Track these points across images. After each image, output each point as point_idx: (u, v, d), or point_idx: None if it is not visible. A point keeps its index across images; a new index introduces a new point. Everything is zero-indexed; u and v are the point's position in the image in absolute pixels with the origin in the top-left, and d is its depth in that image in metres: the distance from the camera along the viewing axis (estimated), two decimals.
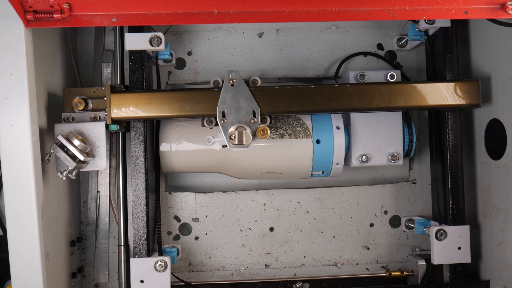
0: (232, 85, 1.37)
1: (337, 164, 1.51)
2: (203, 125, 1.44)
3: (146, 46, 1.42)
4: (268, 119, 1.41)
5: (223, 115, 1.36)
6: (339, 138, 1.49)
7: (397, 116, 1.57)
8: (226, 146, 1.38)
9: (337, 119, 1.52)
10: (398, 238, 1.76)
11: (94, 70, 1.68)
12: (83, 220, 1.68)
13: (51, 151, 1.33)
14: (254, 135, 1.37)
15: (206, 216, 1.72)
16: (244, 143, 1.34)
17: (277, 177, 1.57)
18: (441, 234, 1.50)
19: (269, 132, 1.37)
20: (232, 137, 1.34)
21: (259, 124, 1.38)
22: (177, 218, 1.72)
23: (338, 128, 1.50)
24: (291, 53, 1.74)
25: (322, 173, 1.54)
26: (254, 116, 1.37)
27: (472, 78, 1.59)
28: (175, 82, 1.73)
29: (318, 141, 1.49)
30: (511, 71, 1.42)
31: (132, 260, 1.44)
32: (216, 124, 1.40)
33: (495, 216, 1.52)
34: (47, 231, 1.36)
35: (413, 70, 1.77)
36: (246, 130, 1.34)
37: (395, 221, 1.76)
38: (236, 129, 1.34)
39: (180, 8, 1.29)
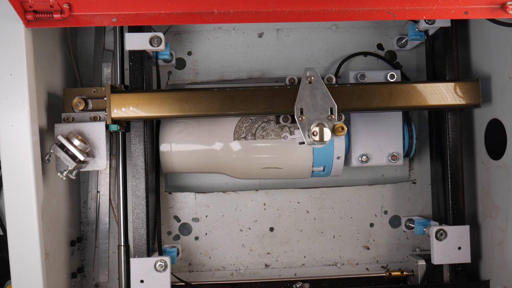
0: (309, 82, 1.37)
1: (338, 158, 1.50)
2: (278, 123, 1.44)
3: (146, 46, 1.42)
4: (343, 117, 1.41)
5: (301, 112, 1.36)
6: None
7: (397, 116, 1.57)
8: (303, 143, 1.37)
9: None
10: (398, 238, 1.76)
11: (94, 70, 1.68)
12: (83, 220, 1.68)
13: (51, 151, 1.33)
14: (332, 131, 1.37)
15: (206, 216, 1.72)
16: (325, 139, 1.33)
17: (278, 175, 1.57)
18: (441, 234, 1.50)
19: (346, 129, 1.36)
20: (314, 133, 1.34)
21: (336, 121, 1.38)
22: (177, 218, 1.72)
23: None
24: (291, 53, 1.74)
25: (323, 170, 1.53)
26: (331, 113, 1.37)
27: (472, 78, 1.59)
28: (175, 82, 1.73)
29: None
30: (511, 71, 1.42)
31: (132, 260, 1.44)
32: (293, 121, 1.40)
33: (495, 216, 1.52)
34: (47, 231, 1.36)
35: (413, 70, 1.77)
36: (326, 126, 1.34)
37: (395, 221, 1.76)
38: (317, 126, 1.34)
39: (180, 8, 1.29)
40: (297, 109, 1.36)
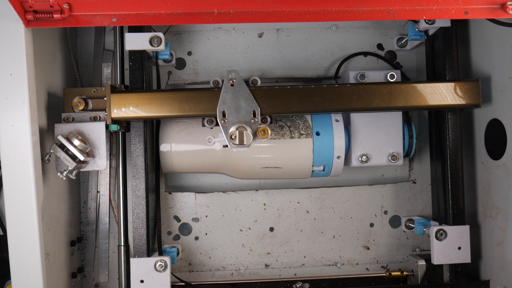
0: (232, 85, 1.37)
1: (338, 157, 1.50)
2: (203, 125, 1.44)
3: (146, 46, 1.42)
4: (269, 119, 1.42)
5: (224, 115, 1.36)
6: (338, 130, 1.49)
7: (397, 116, 1.57)
8: (226, 146, 1.38)
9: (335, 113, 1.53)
10: (398, 238, 1.76)
11: (94, 70, 1.68)
12: (83, 220, 1.68)
13: (51, 151, 1.33)
14: (254, 135, 1.37)
15: (206, 216, 1.72)
16: (245, 143, 1.34)
17: (278, 175, 1.57)
18: (441, 234, 1.50)
19: (269, 132, 1.37)
20: (233, 137, 1.34)
21: (260, 124, 1.38)
22: (177, 218, 1.72)
23: (337, 120, 1.51)
24: (291, 53, 1.74)
25: (323, 169, 1.53)
26: (254, 116, 1.37)
27: (472, 78, 1.59)
28: (175, 82, 1.73)
29: (318, 133, 1.49)
30: (511, 71, 1.42)
31: (132, 260, 1.44)
32: (217, 124, 1.41)
33: (495, 216, 1.52)
34: (47, 231, 1.36)
35: (413, 70, 1.77)
36: (246, 130, 1.35)
37: (395, 221, 1.76)
38: (236, 129, 1.35)
39: (180, 8, 1.30)
40: (219, 112, 1.36)
